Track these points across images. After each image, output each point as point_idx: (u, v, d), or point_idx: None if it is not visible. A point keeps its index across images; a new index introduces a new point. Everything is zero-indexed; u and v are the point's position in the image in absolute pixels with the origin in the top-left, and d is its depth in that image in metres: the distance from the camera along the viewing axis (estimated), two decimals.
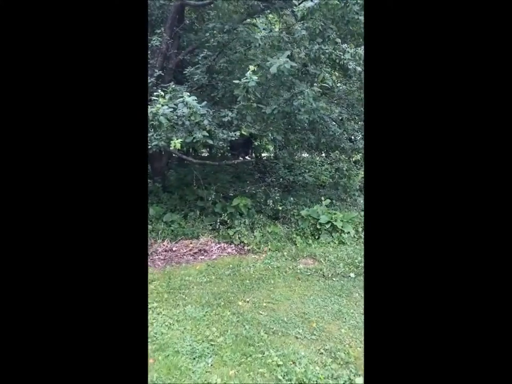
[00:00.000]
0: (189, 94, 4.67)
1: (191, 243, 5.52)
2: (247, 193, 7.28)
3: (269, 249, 5.36)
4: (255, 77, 4.12)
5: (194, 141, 4.73)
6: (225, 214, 6.34)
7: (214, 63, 6.07)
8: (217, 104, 6.84)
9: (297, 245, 5.60)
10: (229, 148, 8.77)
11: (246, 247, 5.43)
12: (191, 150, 13.69)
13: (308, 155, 11.96)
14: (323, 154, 12.46)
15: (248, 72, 4.11)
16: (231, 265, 4.76)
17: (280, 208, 6.63)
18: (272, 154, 14.34)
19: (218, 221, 6.22)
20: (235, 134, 5.00)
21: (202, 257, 5.16)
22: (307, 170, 10.94)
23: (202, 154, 13.88)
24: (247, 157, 6.44)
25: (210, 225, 6.35)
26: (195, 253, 5.27)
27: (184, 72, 6.30)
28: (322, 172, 10.99)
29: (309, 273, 4.60)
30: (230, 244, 5.58)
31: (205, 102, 5.05)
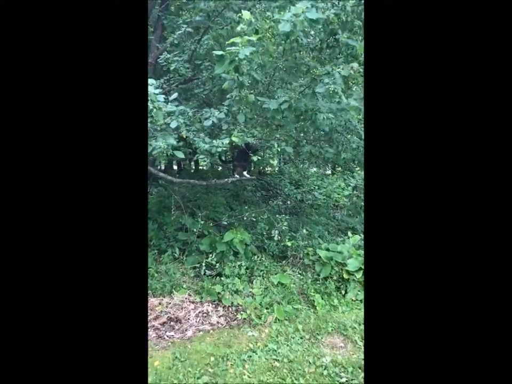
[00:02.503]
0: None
1: (159, 303, 3.50)
2: (246, 220, 5.28)
3: (276, 318, 3.31)
4: (250, 38, 2.17)
5: (155, 152, 2.76)
6: (214, 254, 4.32)
7: (198, 46, 4.13)
8: (207, 104, 4.90)
9: (317, 307, 3.56)
10: (223, 161, 6.80)
11: (240, 314, 3.39)
12: (192, 163, 11.73)
13: (316, 169, 10.01)
14: (329, 170, 10.47)
15: (238, 28, 2.15)
16: (212, 358, 2.71)
17: (289, 244, 4.60)
18: (276, 169, 12.46)
19: (203, 263, 4.21)
20: (222, 144, 3.01)
21: (172, 333, 3.12)
22: (316, 187, 8.96)
23: (204, 168, 11.93)
24: (245, 174, 4.41)
25: (194, 268, 4.35)
26: (163, 323, 3.24)
27: (159, 60, 4.37)
28: (334, 190, 9.01)
29: (343, 379, 2.55)
30: (217, 306, 3.55)
31: (176, 94, 3.08)
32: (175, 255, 4.52)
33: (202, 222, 4.80)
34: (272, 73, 3.24)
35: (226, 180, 4.75)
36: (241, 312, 3.41)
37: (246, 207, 5.44)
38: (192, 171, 8.00)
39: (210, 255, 4.26)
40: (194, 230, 4.71)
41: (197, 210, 5.60)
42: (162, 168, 11.41)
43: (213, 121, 3.24)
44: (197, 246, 4.56)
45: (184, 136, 3.42)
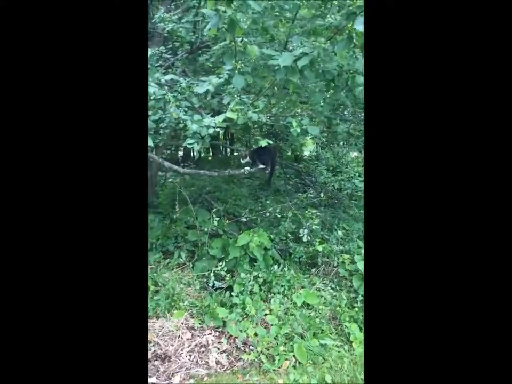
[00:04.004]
0: None
1: (148, 330, 2.69)
2: (270, 217, 4.34)
3: (296, 362, 2.37)
4: None
5: None
6: (226, 261, 3.45)
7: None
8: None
9: (353, 343, 2.57)
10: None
11: (247, 352, 2.48)
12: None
13: (357, 153, 8.77)
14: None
15: None
16: None
17: (319, 248, 3.60)
18: (314, 154, 11.33)
19: (212, 273, 3.34)
20: (215, 123, 2.06)
21: (153, 380, 2.29)
22: (357, 174, 7.77)
23: (237, 153, 11.00)
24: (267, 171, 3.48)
25: (203, 277, 3.50)
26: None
27: (153, 21, 3.47)
28: None
29: None
30: (220, 336, 2.67)
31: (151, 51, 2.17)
32: (182, 259, 3.70)
33: (217, 219, 3.91)
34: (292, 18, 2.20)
35: (242, 170, 3.80)
36: (250, 347, 2.50)
37: (268, 202, 4.46)
38: (209, 158, 7.12)
39: (222, 262, 3.39)
40: (206, 229, 3.84)
41: (216, 204, 4.75)
42: (195, 154, 10.68)
43: (208, 89, 2.28)
44: (207, 249, 3.71)
45: (175, 116, 2.52)
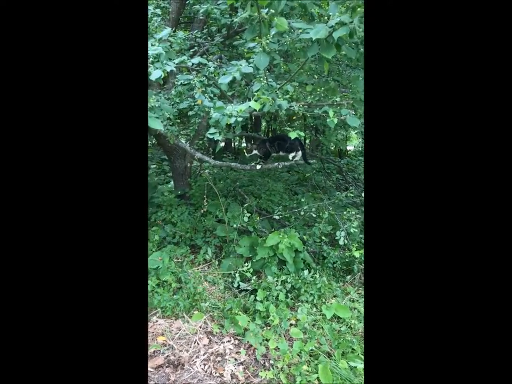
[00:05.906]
0: None
1: (164, 332, 2.51)
2: (305, 215, 4.01)
3: None
4: None
5: None
6: (253, 261, 3.21)
7: None
8: None
9: None
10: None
11: (266, 368, 2.23)
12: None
13: None
14: None
15: None
16: None
17: (356, 254, 3.24)
18: (358, 148, 10.78)
19: (237, 273, 3.12)
20: (237, 113, 1.79)
21: None
22: None
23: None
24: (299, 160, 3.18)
25: (229, 275, 3.29)
26: (157, 367, 2.24)
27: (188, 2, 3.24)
28: None
29: None
30: (239, 345, 2.44)
31: (167, 30, 1.93)
32: (208, 256, 3.51)
33: (248, 215, 3.68)
34: None
35: (276, 164, 3.52)
36: (270, 362, 2.24)
37: (303, 199, 4.13)
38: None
39: (249, 262, 3.15)
40: (235, 226, 3.62)
41: (248, 199, 4.51)
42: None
43: (234, 77, 2.02)
44: (235, 246, 3.48)
45: (199, 102, 2.29)
